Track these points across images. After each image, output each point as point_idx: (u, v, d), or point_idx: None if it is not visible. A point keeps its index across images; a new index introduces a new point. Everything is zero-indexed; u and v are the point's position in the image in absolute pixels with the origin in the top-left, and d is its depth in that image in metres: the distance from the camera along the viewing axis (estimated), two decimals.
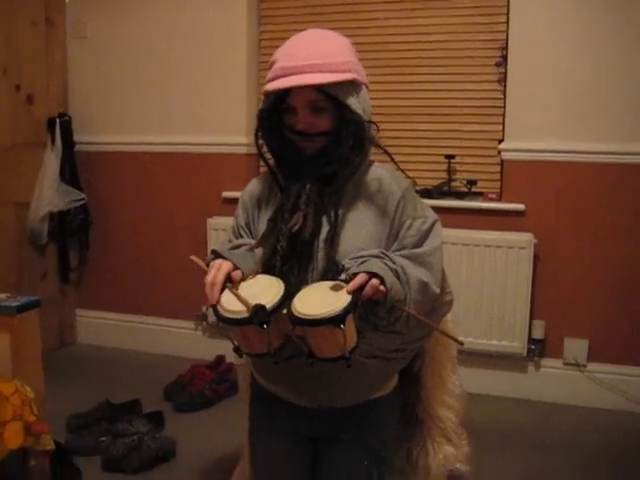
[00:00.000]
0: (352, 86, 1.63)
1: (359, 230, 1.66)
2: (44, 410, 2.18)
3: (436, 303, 1.71)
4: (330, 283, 1.54)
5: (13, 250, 3.41)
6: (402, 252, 1.63)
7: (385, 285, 1.48)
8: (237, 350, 1.61)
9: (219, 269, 1.57)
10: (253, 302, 1.49)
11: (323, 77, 1.57)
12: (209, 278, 1.57)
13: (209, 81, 3.43)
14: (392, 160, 1.73)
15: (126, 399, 2.84)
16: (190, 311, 3.56)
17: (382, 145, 1.72)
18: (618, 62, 2.87)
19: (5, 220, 3.36)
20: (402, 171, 1.75)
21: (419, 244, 1.65)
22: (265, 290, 1.54)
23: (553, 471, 2.49)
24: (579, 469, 2.50)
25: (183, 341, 3.60)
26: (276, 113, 1.67)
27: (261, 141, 1.72)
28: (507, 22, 3.01)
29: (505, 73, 3.03)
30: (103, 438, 2.55)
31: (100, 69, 3.64)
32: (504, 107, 3.05)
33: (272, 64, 1.64)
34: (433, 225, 1.70)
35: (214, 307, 1.55)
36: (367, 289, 1.46)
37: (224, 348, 3.20)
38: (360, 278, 1.46)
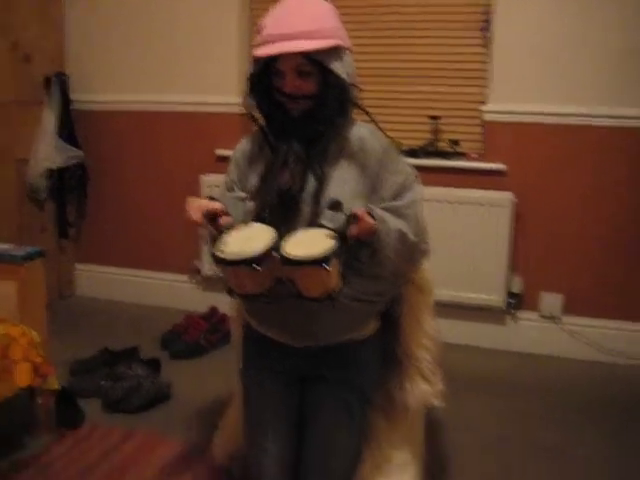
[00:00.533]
0: (336, 51, 1.74)
1: (342, 186, 1.80)
2: (48, 355, 2.33)
3: (414, 251, 1.85)
4: (317, 230, 1.68)
5: (13, 205, 3.52)
6: (382, 205, 1.77)
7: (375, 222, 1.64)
8: (230, 292, 1.76)
9: (208, 203, 1.74)
10: (247, 246, 1.64)
11: (309, 44, 1.69)
12: (197, 203, 1.73)
13: (203, 41, 3.50)
14: (373, 120, 1.86)
15: (124, 347, 2.99)
16: (185, 264, 3.69)
17: (363, 107, 1.84)
18: (602, 25, 2.94)
19: (5, 176, 3.45)
20: (382, 130, 1.88)
21: (398, 197, 1.79)
22: (258, 235, 1.68)
23: (525, 413, 2.67)
24: (549, 411, 2.68)
25: (178, 293, 3.73)
26: (265, 76, 1.79)
27: (252, 102, 1.84)
28: None
29: (489, 37, 3.12)
30: (103, 382, 2.70)
31: (96, 29, 3.69)
32: (487, 70, 3.15)
33: (260, 29, 1.75)
34: (411, 180, 1.83)
35: (194, 222, 1.72)
36: (362, 223, 1.61)
37: (218, 300, 3.37)
38: (356, 210, 1.62)
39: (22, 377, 2.16)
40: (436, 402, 2.09)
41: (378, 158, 1.80)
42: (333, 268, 1.60)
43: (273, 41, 1.71)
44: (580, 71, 3.00)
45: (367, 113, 1.86)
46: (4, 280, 2.27)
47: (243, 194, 1.90)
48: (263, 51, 1.72)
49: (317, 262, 1.57)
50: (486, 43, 3.15)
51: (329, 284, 1.63)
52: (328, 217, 1.74)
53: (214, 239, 1.74)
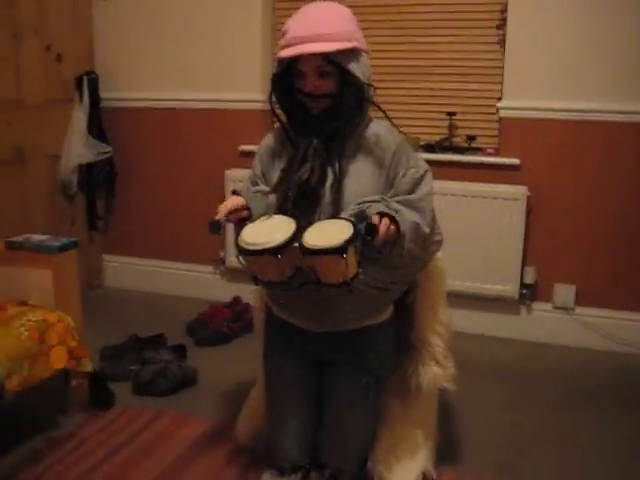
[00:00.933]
0: (353, 53, 1.87)
1: (359, 179, 1.92)
2: (82, 339, 2.47)
3: (427, 242, 1.97)
4: (335, 221, 1.81)
5: (46, 199, 3.66)
6: (397, 198, 1.89)
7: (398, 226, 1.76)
8: (254, 279, 1.90)
9: (231, 199, 1.90)
10: (269, 237, 1.77)
11: (329, 46, 1.82)
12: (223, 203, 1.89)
13: (227, 41, 3.62)
14: (387, 117, 1.97)
15: (152, 334, 3.14)
16: (209, 256, 3.81)
17: (379, 105, 1.96)
18: (613, 23, 3.00)
19: (39, 172, 3.59)
20: (396, 127, 1.99)
21: (412, 191, 1.91)
22: (280, 226, 1.82)
23: (537, 399, 2.75)
24: (561, 398, 2.76)
25: (203, 284, 3.86)
26: (287, 77, 1.92)
27: (274, 101, 1.98)
28: None
29: (504, 35, 3.20)
30: (133, 366, 2.83)
31: (124, 29, 3.82)
32: (503, 67, 3.22)
33: (284, 33, 1.88)
34: (424, 174, 1.95)
35: (217, 222, 1.85)
36: (381, 228, 1.73)
37: (241, 290, 3.51)
38: (375, 218, 1.74)
39: (58, 360, 2.31)
40: (448, 385, 2.20)
41: (393, 153, 1.92)
42: (350, 257, 1.73)
43: (296, 43, 1.84)
44: (592, 68, 3.07)
45: (382, 111, 1.98)
46: (41, 269, 2.41)
47: (265, 188, 2.02)
48: (286, 53, 1.85)
49: (335, 251, 1.70)
50: (501, 41, 3.23)
51: (346, 272, 1.75)
52: (348, 211, 1.86)
53: (238, 232, 1.88)
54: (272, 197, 1.97)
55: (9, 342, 2.11)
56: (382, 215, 1.76)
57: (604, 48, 3.05)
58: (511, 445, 2.41)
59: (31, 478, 2.13)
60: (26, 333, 2.19)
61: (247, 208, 1.93)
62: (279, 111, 2.00)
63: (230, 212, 1.89)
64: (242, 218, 1.92)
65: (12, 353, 2.07)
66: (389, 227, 1.75)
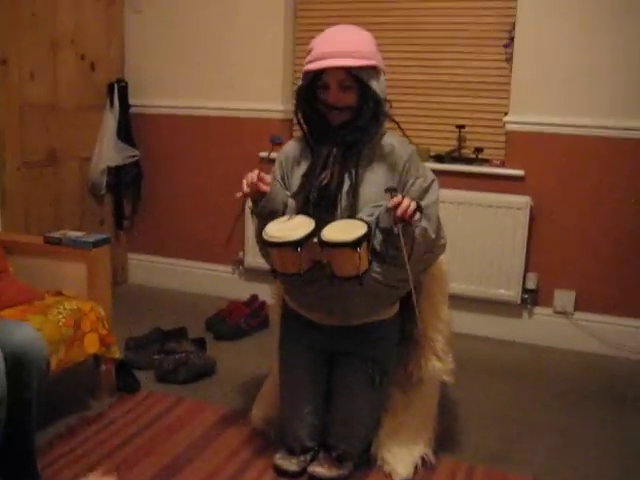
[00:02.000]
0: (374, 71, 2.07)
1: (373, 186, 2.11)
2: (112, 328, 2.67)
3: (432, 245, 2.15)
4: (351, 220, 2.02)
5: (76, 199, 3.87)
6: None
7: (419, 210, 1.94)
8: (273, 272, 2.11)
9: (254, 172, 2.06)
10: (291, 232, 1.97)
11: (352, 61, 2.01)
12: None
13: (251, 54, 3.82)
14: (401, 130, 2.17)
15: (174, 327, 3.33)
16: (228, 257, 3.99)
17: (394, 118, 2.16)
18: (616, 43, 3.17)
19: (70, 173, 3.80)
20: (408, 138, 2.18)
21: (420, 198, 2.09)
22: (300, 224, 2.03)
23: (534, 398, 2.91)
24: (557, 398, 2.91)
25: (222, 283, 4.05)
26: (311, 90, 2.11)
27: (299, 112, 2.17)
28: (516, 7, 3.34)
29: (512, 53, 3.38)
30: (156, 356, 3.03)
31: (153, 40, 4.04)
32: (510, 84, 3.40)
33: (310, 50, 2.08)
34: (431, 184, 2.13)
35: (246, 195, 2.05)
36: (404, 201, 1.90)
37: (258, 289, 3.71)
38: (399, 197, 1.92)
39: (91, 345, 2.51)
40: (447, 378, 2.38)
41: (404, 163, 2.11)
42: (363, 252, 1.94)
43: (322, 58, 2.03)
44: (594, 86, 3.23)
45: (397, 123, 2.18)
46: (77, 263, 2.62)
47: (285, 191, 2.22)
48: (313, 66, 2.05)
49: (350, 245, 1.91)
50: (509, 59, 3.41)
51: (359, 265, 1.96)
52: (366, 213, 2.05)
53: (263, 225, 2.06)
54: (292, 201, 2.17)
55: (48, 327, 2.31)
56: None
57: (606, 67, 3.21)
58: (507, 438, 2.57)
59: (66, 451, 2.33)
60: (63, 320, 2.40)
61: (268, 182, 2.08)
62: (302, 121, 2.19)
63: (258, 179, 2.05)
64: (262, 192, 2.07)
65: (51, 337, 2.27)
66: (409, 204, 1.91)
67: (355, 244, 1.91)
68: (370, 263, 2.01)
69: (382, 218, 2.00)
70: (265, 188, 2.06)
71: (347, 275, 1.99)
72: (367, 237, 1.94)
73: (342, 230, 1.98)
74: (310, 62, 2.07)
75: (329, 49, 2.03)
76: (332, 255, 1.97)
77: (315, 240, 1.97)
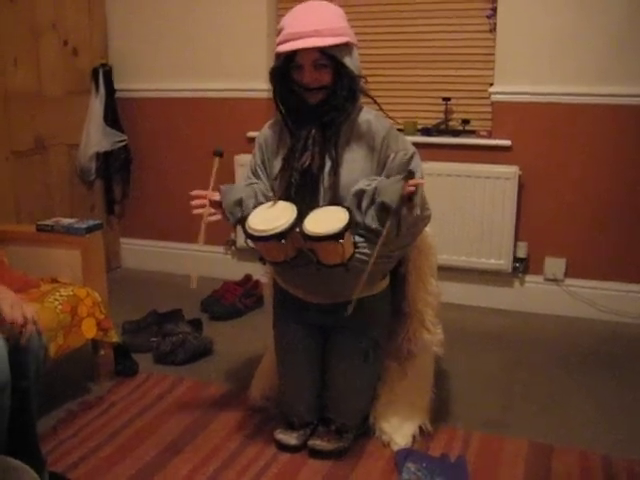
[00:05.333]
0: (346, 48, 2.06)
1: (353, 165, 2.12)
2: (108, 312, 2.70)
3: (417, 219, 2.17)
4: (333, 208, 2.04)
5: (66, 186, 3.87)
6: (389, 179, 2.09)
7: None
8: (261, 259, 2.14)
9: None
10: (273, 223, 1.98)
11: (325, 40, 2.01)
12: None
13: (233, 33, 3.81)
14: (377, 105, 2.17)
15: (170, 309, 3.36)
16: (220, 237, 4.01)
17: (369, 94, 2.16)
18: (601, 8, 3.16)
19: (59, 160, 3.80)
20: (385, 113, 2.19)
21: (402, 173, 2.10)
22: (282, 213, 2.04)
23: (528, 364, 2.96)
24: (551, 363, 2.97)
25: (215, 263, 4.07)
26: (286, 70, 2.11)
27: (273, 93, 2.17)
28: None
29: (495, 23, 3.39)
30: (153, 338, 3.06)
31: (136, 24, 4.02)
32: (494, 54, 3.41)
33: (280, 30, 2.07)
34: (412, 156, 2.14)
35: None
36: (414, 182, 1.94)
37: (251, 268, 3.73)
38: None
39: (88, 330, 2.54)
40: (437, 349, 2.42)
41: (382, 138, 2.12)
42: (347, 240, 1.96)
43: (293, 39, 2.02)
44: (580, 53, 3.24)
45: (372, 99, 2.17)
46: (70, 250, 2.64)
47: (254, 181, 2.24)
48: (285, 47, 2.03)
49: (333, 237, 1.93)
50: (492, 29, 3.42)
51: (343, 254, 1.99)
52: (364, 183, 2.07)
53: (243, 219, 2.10)
54: (275, 183, 2.19)
55: (45, 314, 2.33)
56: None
57: (592, 32, 3.21)
58: (501, 404, 2.62)
59: (69, 435, 2.37)
60: (59, 307, 2.42)
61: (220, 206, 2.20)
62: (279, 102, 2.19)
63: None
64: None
65: (48, 324, 2.30)
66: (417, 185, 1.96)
67: (338, 236, 1.92)
68: (355, 247, 2.03)
69: (391, 200, 1.95)
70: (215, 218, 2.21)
71: (333, 263, 2.01)
72: (349, 226, 1.95)
73: (324, 220, 1.98)
74: (281, 43, 2.04)
75: (300, 29, 2.00)
76: (316, 247, 2.00)
77: (298, 230, 1.99)
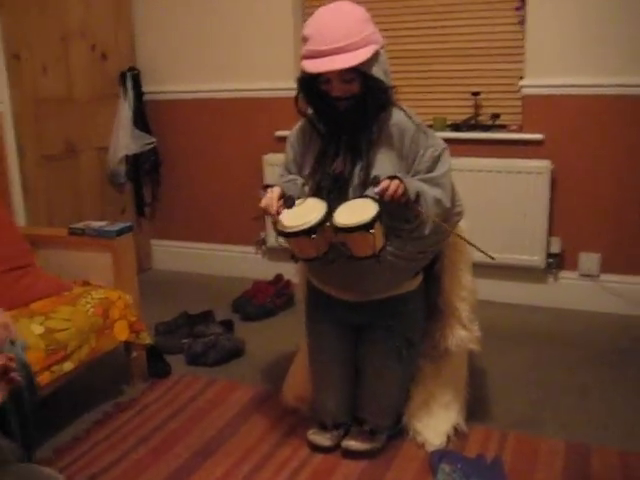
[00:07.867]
0: (373, 56, 2.02)
1: (382, 165, 2.10)
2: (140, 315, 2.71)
3: (449, 214, 2.15)
4: (361, 200, 2.02)
5: (97, 189, 3.91)
6: (419, 177, 2.07)
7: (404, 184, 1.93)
8: (293, 257, 2.13)
9: (272, 193, 2.04)
10: (304, 219, 1.98)
11: (349, 60, 1.96)
12: (265, 200, 2.03)
13: (260, 33, 3.80)
14: (405, 112, 2.15)
15: (201, 311, 3.37)
16: (251, 237, 4.01)
17: (398, 103, 2.15)
18: (633, 2, 3.10)
19: (89, 163, 3.83)
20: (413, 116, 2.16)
21: (432, 169, 2.08)
22: (313, 209, 2.03)
23: (563, 361, 2.91)
24: (586, 360, 2.91)
25: (245, 264, 4.07)
26: (313, 79, 2.08)
27: (303, 100, 2.15)
28: None
29: (524, 16, 3.34)
30: (185, 340, 3.07)
31: (163, 27, 4.03)
32: (524, 47, 3.35)
33: (304, 40, 2.02)
34: (442, 152, 2.11)
35: (276, 219, 2.02)
36: (391, 186, 1.92)
37: (282, 268, 3.72)
38: (384, 182, 1.93)
39: (121, 332, 2.55)
40: (474, 347, 2.39)
41: (411, 137, 2.10)
42: (377, 231, 1.94)
43: (319, 56, 1.98)
44: (611, 42, 3.16)
45: (403, 110, 2.15)
46: (102, 252, 2.65)
47: (297, 177, 2.22)
48: (310, 68, 2.00)
49: (363, 228, 1.91)
50: (522, 22, 3.36)
51: (375, 245, 1.97)
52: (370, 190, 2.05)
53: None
54: (306, 184, 2.18)
55: (77, 317, 2.35)
56: (391, 178, 1.96)
57: (623, 23, 3.14)
58: (537, 402, 2.58)
59: (103, 437, 2.39)
60: (92, 309, 2.43)
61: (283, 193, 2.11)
62: (307, 105, 2.17)
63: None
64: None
65: (81, 327, 2.32)
66: (398, 186, 1.93)
67: (368, 226, 1.91)
68: (386, 238, 2.02)
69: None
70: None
71: (364, 255, 2.00)
72: (380, 216, 1.94)
73: (354, 212, 1.97)
74: (306, 58, 2.01)
75: (325, 46, 1.96)
76: (346, 238, 1.99)
77: (328, 224, 1.98)
